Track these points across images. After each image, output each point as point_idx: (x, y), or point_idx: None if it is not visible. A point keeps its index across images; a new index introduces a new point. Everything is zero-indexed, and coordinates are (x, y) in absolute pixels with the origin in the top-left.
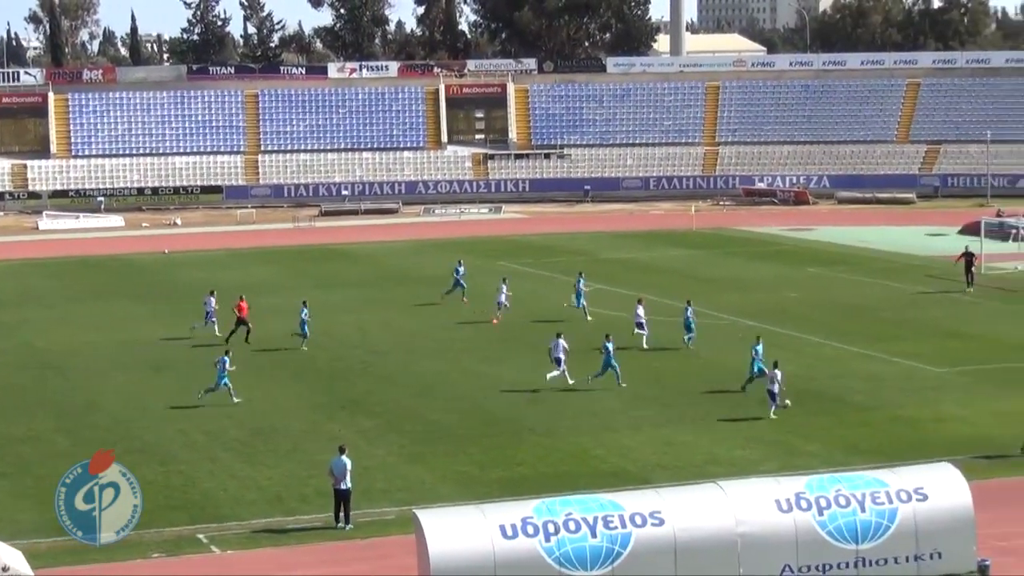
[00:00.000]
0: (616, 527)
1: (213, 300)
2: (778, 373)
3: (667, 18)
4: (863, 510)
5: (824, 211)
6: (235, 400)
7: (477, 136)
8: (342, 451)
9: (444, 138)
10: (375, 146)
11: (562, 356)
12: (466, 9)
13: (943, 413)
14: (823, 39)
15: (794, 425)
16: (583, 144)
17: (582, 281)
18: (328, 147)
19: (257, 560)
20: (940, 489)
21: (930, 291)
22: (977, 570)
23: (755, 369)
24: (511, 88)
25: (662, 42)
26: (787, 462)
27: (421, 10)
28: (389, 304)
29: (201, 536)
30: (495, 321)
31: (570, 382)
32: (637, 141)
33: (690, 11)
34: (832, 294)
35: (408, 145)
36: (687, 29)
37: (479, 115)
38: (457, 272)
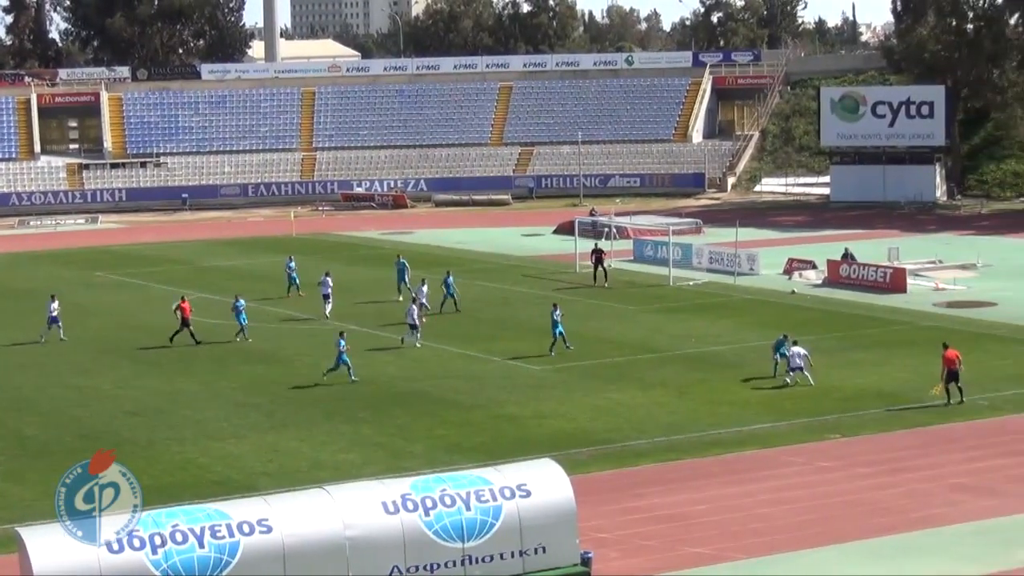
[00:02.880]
0: (224, 536)
1: (55, 304)
2: (799, 350)
3: (261, 24)
4: (468, 509)
5: (422, 214)
6: (353, 379)
7: (71, 146)
8: None
9: (37, 148)
10: None
11: (415, 322)
12: (56, 17)
13: (543, 410)
14: (417, 44)
15: (397, 427)
16: (180, 152)
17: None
18: None
19: None
20: (542, 484)
21: (525, 290)
22: (580, 563)
23: (776, 361)
24: (104, 96)
25: (257, 48)
26: (392, 464)
27: (10, 19)
28: None
29: None
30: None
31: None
32: (234, 148)
33: (284, 17)
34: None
35: None
36: (281, 35)
37: (72, 124)
38: (289, 267)
